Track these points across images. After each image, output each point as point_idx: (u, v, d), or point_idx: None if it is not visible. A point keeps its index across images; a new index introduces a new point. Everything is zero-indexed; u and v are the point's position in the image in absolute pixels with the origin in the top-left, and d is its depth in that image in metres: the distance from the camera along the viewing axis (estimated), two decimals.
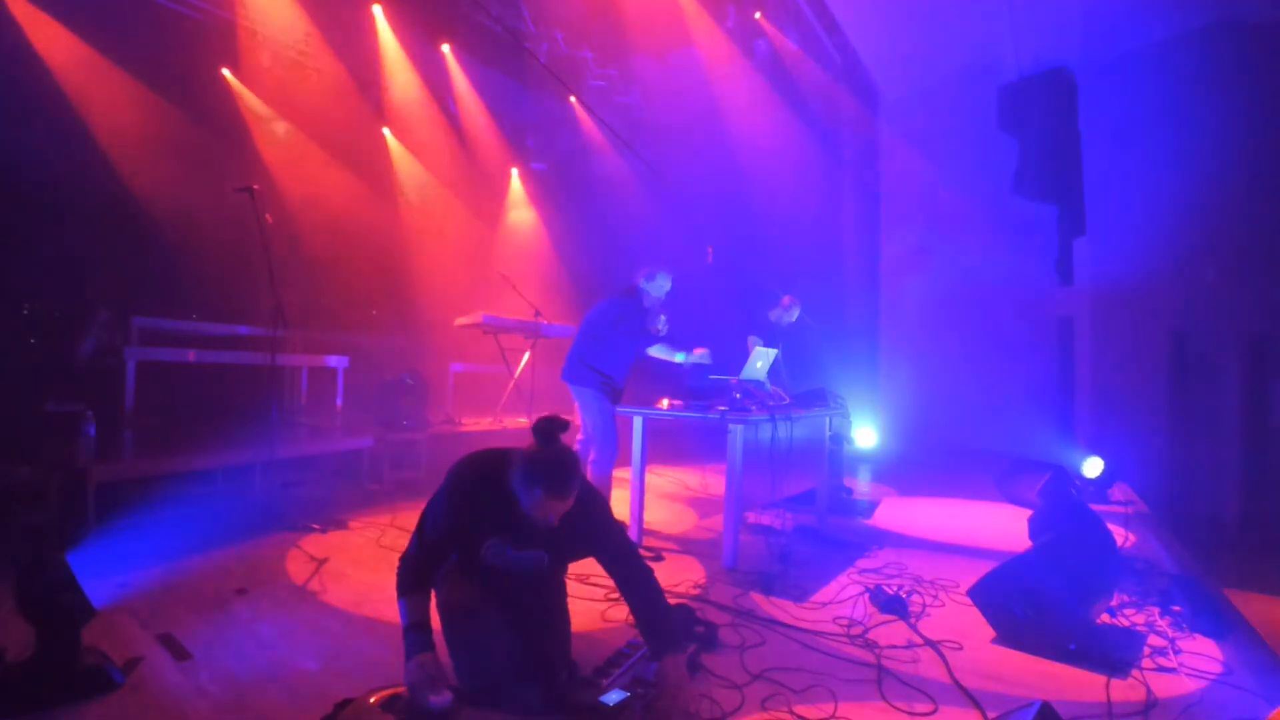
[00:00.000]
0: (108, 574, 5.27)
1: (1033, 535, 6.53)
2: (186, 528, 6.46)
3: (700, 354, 7.04)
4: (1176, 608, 5.13)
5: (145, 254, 10.20)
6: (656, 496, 9.34)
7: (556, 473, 3.24)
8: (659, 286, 7.43)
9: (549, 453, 3.29)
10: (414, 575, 3.52)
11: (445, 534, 3.46)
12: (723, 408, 6.29)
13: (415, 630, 3.41)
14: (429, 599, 3.56)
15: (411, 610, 3.46)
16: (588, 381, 7.25)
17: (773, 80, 14.39)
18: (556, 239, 16.63)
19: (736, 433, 6.09)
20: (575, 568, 4.34)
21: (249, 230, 7.18)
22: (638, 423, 6.70)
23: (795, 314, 9.51)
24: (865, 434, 13.29)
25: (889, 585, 5.61)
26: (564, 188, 16.89)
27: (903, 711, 3.71)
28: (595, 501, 3.68)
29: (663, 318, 7.42)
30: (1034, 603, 4.49)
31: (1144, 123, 10.82)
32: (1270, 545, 7.60)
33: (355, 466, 9.04)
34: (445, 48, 14.03)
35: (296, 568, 5.84)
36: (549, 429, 3.37)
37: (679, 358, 7.04)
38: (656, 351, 7.11)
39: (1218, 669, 4.28)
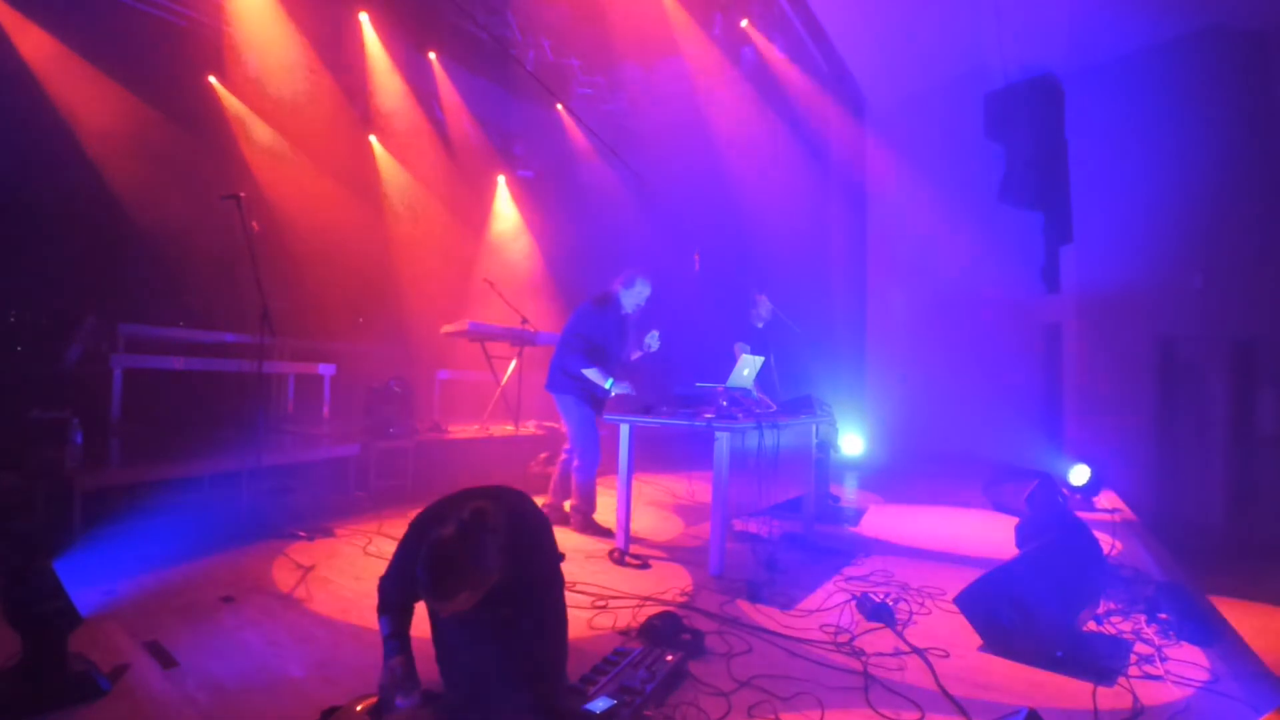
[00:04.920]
0: (94, 581, 5.26)
1: (1019, 543, 6.54)
2: (173, 535, 6.43)
3: (625, 386, 7.19)
4: (1163, 615, 5.14)
5: (132, 261, 10.18)
6: (644, 504, 9.35)
7: (431, 561, 2.96)
8: (638, 293, 7.47)
9: (443, 543, 2.98)
10: (390, 597, 3.53)
11: (409, 586, 3.40)
12: (709, 415, 6.30)
13: (392, 638, 3.44)
14: (409, 614, 3.56)
15: (390, 623, 3.48)
16: (567, 389, 7.33)
17: (759, 88, 14.44)
18: (543, 246, 16.61)
19: (723, 440, 6.10)
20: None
21: (235, 237, 7.17)
22: (624, 430, 6.70)
23: (767, 308, 9.57)
24: (852, 441, 13.31)
25: (876, 593, 5.60)
26: (551, 195, 16.87)
27: (889, 719, 3.71)
28: (534, 555, 3.50)
29: (654, 333, 7.42)
30: (1021, 610, 4.50)
31: (1130, 130, 10.88)
32: (1256, 552, 7.63)
33: (342, 474, 9.01)
34: (432, 55, 14.05)
35: (283, 575, 5.83)
36: (463, 520, 3.05)
37: (608, 384, 7.14)
38: (590, 373, 7.18)
39: (1204, 676, 4.29)
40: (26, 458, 6.20)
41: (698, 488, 10.38)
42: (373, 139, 14.33)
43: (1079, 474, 9.78)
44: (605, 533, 7.36)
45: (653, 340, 7.42)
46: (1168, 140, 10.13)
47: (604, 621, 4.96)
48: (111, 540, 6.20)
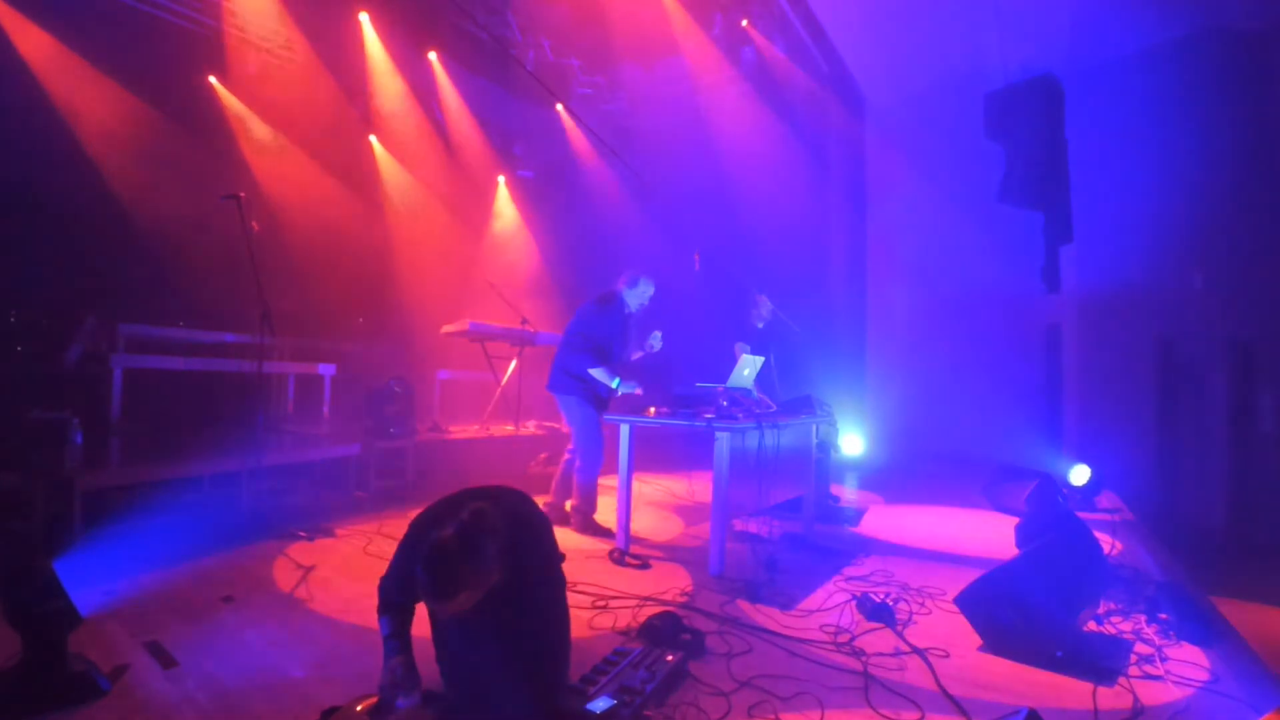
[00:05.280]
0: (94, 581, 5.26)
1: (1020, 543, 6.54)
2: (173, 535, 6.44)
3: (632, 385, 7.21)
4: (1163, 615, 5.14)
5: (132, 261, 10.17)
6: (644, 504, 9.34)
7: (429, 563, 2.97)
8: (641, 292, 7.48)
9: (442, 544, 3.00)
10: (391, 598, 3.52)
11: (409, 586, 3.38)
12: (709, 415, 6.29)
13: (393, 638, 3.44)
14: (409, 614, 3.55)
15: (390, 623, 3.48)
16: (570, 390, 7.32)
17: (759, 88, 14.43)
18: (543, 247, 16.63)
19: (723, 440, 6.09)
20: None
21: (235, 237, 7.17)
22: (625, 430, 6.69)
23: (767, 308, 9.60)
24: (852, 441, 13.30)
25: (876, 593, 5.59)
26: (551, 195, 16.88)
27: (889, 719, 3.71)
28: (534, 555, 3.52)
29: (658, 334, 7.42)
30: (1021, 610, 4.50)
31: (1130, 130, 10.86)
32: (1256, 552, 7.62)
33: (342, 474, 9.02)
34: (432, 55, 14.03)
35: (283, 575, 5.83)
36: (462, 522, 3.06)
37: (614, 384, 7.15)
38: (597, 373, 7.20)
39: (1204, 676, 4.29)
40: (27, 458, 6.20)
41: (698, 488, 10.37)
42: (373, 139, 14.35)
43: (1079, 474, 9.77)
44: (605, 533, 7.35)
45: (655, 341, 7.43)
46: (1168, 140, 10.11)
47: (604, 622, 4.96)
48: (112, 540, 6.21)
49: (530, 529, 3.45)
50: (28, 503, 6.02)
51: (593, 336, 7.28)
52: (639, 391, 7.17)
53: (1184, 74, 10.04)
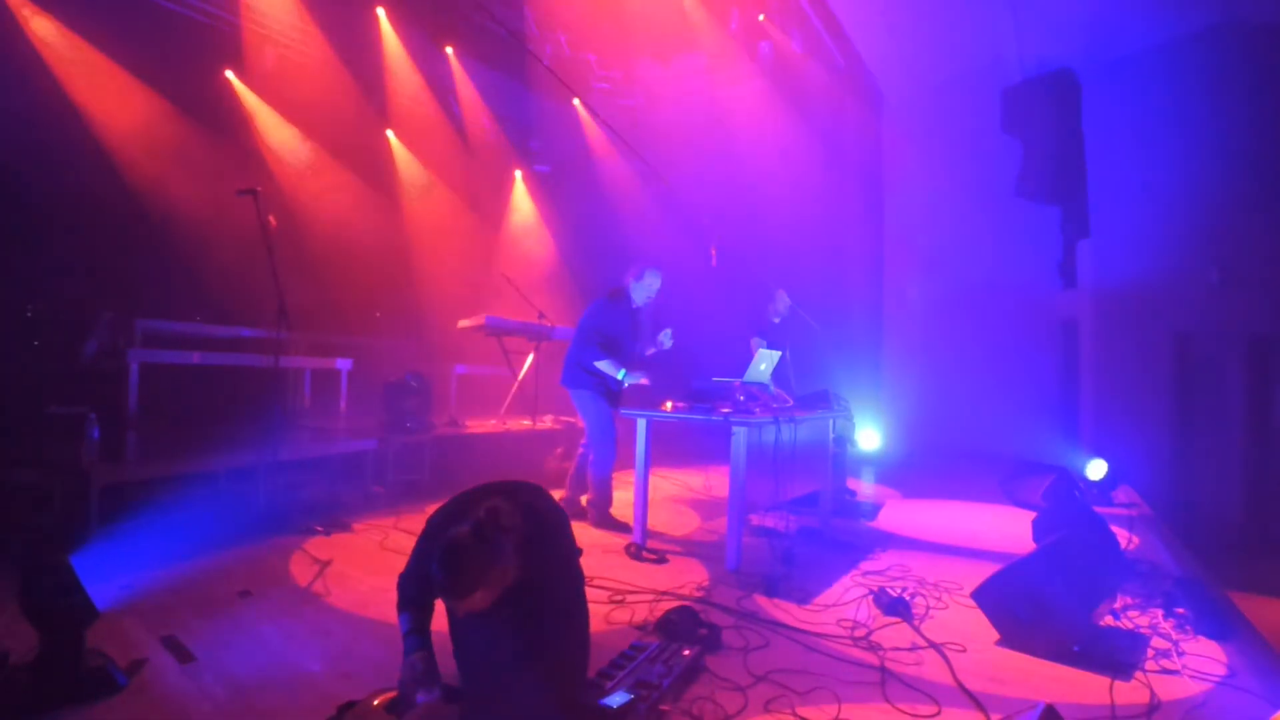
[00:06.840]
0: (111, 576, 5.28)
1: (1036, 537, 6.53)
2: (190, 530, 6.45)
3: (638, 376, 7.21)
4: (1180, 610, 5.12)
5: (149, 256, 10.18)
6: (660, 498, 9.36)
7: (445, 560, 2.96)
8: (648, 286, 7.49)
9: (458, 541, 2.98)
10: (409, 595, 3.51)
11: (427, 583, 3.37)
12: (726, 410, 6.29)
13: (412, 634, 3.41)
14: (428, 611, 3.53)
15: (409, 620, 3.45)
16: (584, 384, 7.36)
17: (776, 83, 14.39)
18: (560, 241, 16.61)
19: (740, 435, 6.09)
20: None
21: (252, 232, 7.18)
22: (641, 425, 6.69)
23: (785, 304, 9.58)
24: (869, 436, 13.27)
25: (892, 587, 5.59)
26: (567, 190, 16.85)
27: (906, 714, 3.70)
28: (551, 550, 3.47)
29: (668, 331, 7.44)
30: (1038, 605, 4.48)
31: (1148, 124, 10.80)
32: (1274, 547, 7.58)
33: (359, 468, 9.02)
34: (449, 50, 14.04)
35: (300, 570, 5.85)
36: (478, 519, 3.04)
37: (620, 374, 7.18)
38: (603, 365, 7.23)
39: (1221, 671, 4.27)
40: (44, 453, 6.22)
41: (714, 482, 10.36)
42: (390, 134, 14.35)
43: (1096, 469, 9.75)
44: (622, 527, 7.36)
45: (666, 338, 7.44)
46: (1185, 135, 10.05)
47: (621, 616, 4.97)
48: (128, 535, 6.22)
49: (547, 524, 3.42)
50: (45, 498, 6.04)
51: (602, 330, 7.32)
52: (645, 381, 7.18)
53: (1202, 68, 9.99)
